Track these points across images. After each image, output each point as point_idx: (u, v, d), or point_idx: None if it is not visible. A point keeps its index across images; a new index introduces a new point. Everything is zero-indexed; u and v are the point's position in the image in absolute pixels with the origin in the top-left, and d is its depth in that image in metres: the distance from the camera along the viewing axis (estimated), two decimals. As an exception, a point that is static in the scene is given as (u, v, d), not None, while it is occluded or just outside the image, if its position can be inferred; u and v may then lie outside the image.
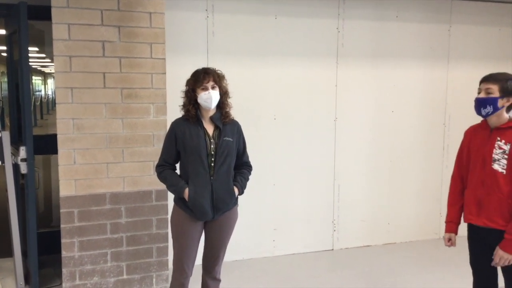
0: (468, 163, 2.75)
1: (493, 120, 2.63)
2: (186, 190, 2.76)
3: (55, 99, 3.40)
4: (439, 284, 4.09)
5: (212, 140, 2.79)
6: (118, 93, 3.49)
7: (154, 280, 3.72)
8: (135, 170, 3.57)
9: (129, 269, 3.65)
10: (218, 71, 2.85)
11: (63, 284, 3.51)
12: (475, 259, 2.79)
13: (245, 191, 2.97)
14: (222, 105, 2.84)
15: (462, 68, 5.12)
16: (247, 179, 2.99)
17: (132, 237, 3.62)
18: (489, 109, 2.57)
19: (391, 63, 4.87)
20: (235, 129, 2.90)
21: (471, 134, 2.81)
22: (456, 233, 2.83)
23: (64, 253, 3.49)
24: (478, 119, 5.23)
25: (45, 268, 4.16)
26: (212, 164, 2.77)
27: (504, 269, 2.62)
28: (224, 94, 2.84)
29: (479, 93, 2.65)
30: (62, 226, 3.46)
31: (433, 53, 5.01)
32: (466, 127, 5.14)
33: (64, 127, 3.41)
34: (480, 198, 2.64)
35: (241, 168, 2.98)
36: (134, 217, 3.61)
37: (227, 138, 2.81)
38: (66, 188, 3.44)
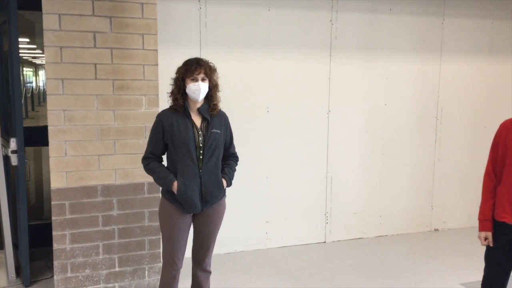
0: (504, 159, 2.64)
1: None
2: (175, 183, 2.74)
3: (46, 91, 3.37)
4: (430, 276, 4.12)
5: (200, 132, 2.77)
6: (110, 84, 3.46)
7: (146, 272, 3.72)
8: (127, 162, 3.55)
9: (121, 261, 3.64)
10: (211, 64, 2.81)
11: (55, 277, 3.50)
12: (495, 254, 2.70)
13: (238, 183, 2.97)
14: (210, 98, 2.81)
15: (455, 62, 5.13)
16: (234, 170, 2.98)
17: (124, 229, 3.61)
18: None
19: (384, 56, 4.87)
20: (223, 121, 2.87)
21: (507, 129, 2.65)
22: (492, 231, 2.68)
23: (55, 246, 3.46)
24: (470, 114, 5.26)
25: (37, 261, 4.15)
26: (201, 157, 2.75)
27: None
28: (213, 87, 2.81)
29: None
30: (53, 218, 3.44)
31: (426, 46, 5.01)
32: (458, 120, 5.22)
33: (55, 118, 3.37)
34: None
35: (227, 159, 2.97)
36: (126, 209, 3.59)
37: (215, 130, 2.79)
38: (57, 180, 3.41)
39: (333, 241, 4.95)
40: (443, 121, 5.18)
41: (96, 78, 3.43)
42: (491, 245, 2.70)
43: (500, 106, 5.26)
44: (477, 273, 2.85)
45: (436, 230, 5.34)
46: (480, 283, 2.82)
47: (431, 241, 5.00)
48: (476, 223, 2.79)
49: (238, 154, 3.06)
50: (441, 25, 5.03)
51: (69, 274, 3.52)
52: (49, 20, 3.28)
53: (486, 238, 2.71)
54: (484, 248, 2.78)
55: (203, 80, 2.73)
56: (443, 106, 5.16)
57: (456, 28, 5.08)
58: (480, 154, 4.96)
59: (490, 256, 2.75)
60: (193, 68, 2.72)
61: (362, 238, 5.06)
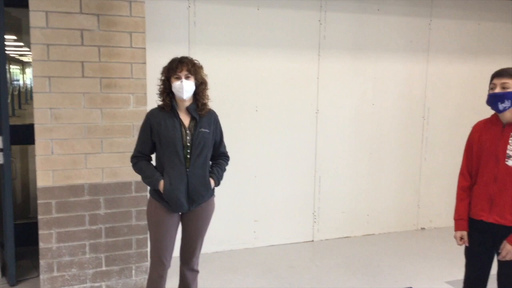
0: (478, 159, 2.69)
1: (507, 116, 2.58)
2: (161, 182, 2.73)
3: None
4: (417, 274, 4.16)
5: (188, 132, 2.76)
6: (97, 82, 3.44)
7: (133, 271, 3.70)
8: (114, 161, 3.53)
9: (108, 260, 3.62)
10: (195, 61, 2.79)
11: (41, 276, 3.47)
12: (473, 251, 2.75)
13: (227, 182, 2.97)
14: (198, 96, 2.79)
15: (442, 62, 5.18)
16: (224, 170, 2.97)
17: (111, 228, 3.59)
18: (507, 104, 2.53)
19: (372, 56, 4.90)
20: (212, 120, 2.86)
21: (481, 129, 2.73)
22: (467, 230, 2.74)
23: (41, 245, 3.44)
24: (457, 114, 5.31)
25: (23, 260, 4.11)
26: (188, 156, 2.74)
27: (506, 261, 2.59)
28: (200, 84, 2.78)
29: (493, 88, 2.59)
30: (39, 217, 3.41)
31: (414, 46, 5.05)
32: (444, 120, 5.27)
33: (41, 117, 3.34)
34: (492, 194, 2.61)
35: (218, 158, 2.96)
36: (113, 208, 3.57)
37: (204, 130, 2.78)
38: (43, 179, 3.39)
39: (321, 240, 4.97)
40: (429, 121, 5.23)
41: (83, 76, 3.41)
42: (466, 244, 2.76)
43: (485, 106, 5.31)
44: (462, 271, 2.88)
45: (422, 228, 5.39)
46: (463, 281, 2.86)
47: (418, 240, 5.05)
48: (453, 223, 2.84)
49: (228, 153, 3.06)
50: (428, 25, 5.07)
51: (55, 274, 3.50)
52: (36, 18, 3.25)
53: (461, 238, 2.77)
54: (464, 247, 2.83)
55: (186, 77, 2.71)
56: (430, 106, 5.21)
57: (443, 29, 5.13)
58: (466, 153, 5.01)
59: (470, 254, 2.80)
60: (175, 66, 2.72)
61: (350, 236, 5.09)
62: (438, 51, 5.15)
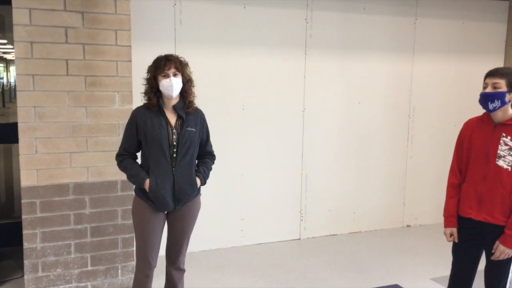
0: (469, 156, 2.70)
1: (498, 115, 2.58)
2: (147, 181, 2.71)
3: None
4: (402, 271, 4.20)
5: (174, 130, 2.74)
6: (82, 80, 3.41)
7: (119, 271, 3.68)
8: (99, 160, 3.51)
9: (93, 260, 3.59)
10: (181, 58, 2.78)
11: (25, 276, 3.43)
12: (461, 248, 2.77)
13: (214, 180, 2.96)
14: (185, 94, 2.78)
15: (427, 61, 5.23)
16: (210, 169, 2.96)
17: (96, 228, 3.56)
18: (497, 103, 2.52)
19: (358, 55, 4.93)
20: (199, 118, 2.85)
21: (472, 127, 2.72)
22: (457, 227, 2.75)
23: (26, 245, 3.40)
24: (442, 113, 5.36)
25: (7, 260, 4.07)
26: (174, 155, 2.73)
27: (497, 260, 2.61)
28: (187, 82, 2.77)
29: (485, 87, 2.58)
30: (23, 217, 3.37)
31: (399, 45, 5.09)
32: (429, 118, 5.32)
33: (25, 115, 3.30)
34: (481, 193, 2.62)
35: (204, 157, 2.95)
36: (99, 207, 3.55)
37: (190, 129, 2.77)
38: (27, 178, 3.35)
39: (308, 238, 4.99)
40: (415, 119, 5.28)
41: (67, 74, 3.37)
42: (456, 241, 2.77)
43: (470, 104, 5.37)
44: (447, 268, 2.91)
45: (408, 226, 5.44)
46: (449, 277, 2.89)
47: (403, 237, 5.10)
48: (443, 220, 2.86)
49: (214, 151, 3.05)
50: (413, 25, 5.11)
51: (40, 274, 3.46)
52: (19, 15, 3.21)
53: (451, 234, 2.78)
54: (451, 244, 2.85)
55: (174, 75, 2.69)
56: (415, 104, 5.25)
57: (428, 28, 5.18)
58: (451, 151, 5.01)
59: (457, 251, 2.81)
60: (162, 64, 2.69)
61: (336, 234, 5.11)
62: (423, 50, 5.20)
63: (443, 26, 5.24)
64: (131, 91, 3.54)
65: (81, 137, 3.45)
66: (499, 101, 2.51)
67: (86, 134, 3.46)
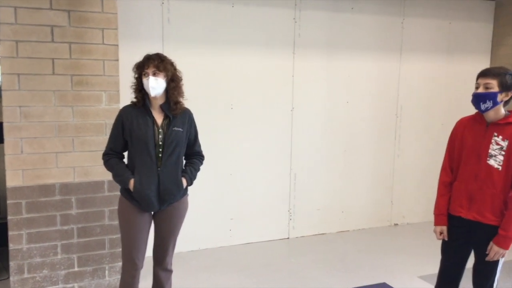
0: (460, 155, 2.72)
1: (491, 115, 2.59)
2: (132, 181, 2.69)
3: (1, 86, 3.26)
4: (390, 269, 4.23)
5: (160, 130, 2.72)
6: (68, 80, 3.37)
7: (106, 272, 3.65)
8: (86, 160, 3.47)
9: (80, 261, 3.56)
10: (164, 57, 2.71)
11: (11, 278, 3.39)
12: (450, 246, 2.78)
13: (202, 180, 2.93)
14: (169, 94, 2.72)
15: (414, 60, 5.27)
16: (198, 170, 2.93)
17: (83, 228, 3.53)
18: (489, 104, 2.53)
19: (346, 54, 4.94)
20: (186, 118, 2.82)
21: (464, 126, 2.74)
22: (447, 225, 2.77)
23: (11, 246, 3.35)
24: (429, 112, 5.40)
25: (-8, 262, 4.01)
26: (160, 155, 2.71)
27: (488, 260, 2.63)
28: (170, 81, 2.71)
29: (477, 88, 2.58)
30: (9, 218, 3.33)
31: (387, 45, 5.12)
32: (417, 118, 5.36)
33: (10, 115, 3.26)
34: (472, 192, 2.64)
35: (192, 157, 2.93)
36: (85, 208, 3.51)
37: (177, 128, 2.74)
38: (13, 179, 3.30)
39: (297, 237, 5.00)
40: (402, 118, 5.31)
41: (53, 73, 3.33)
42: (446, 239, 2.79)
43: (457, 103, 5.44)
44: (434, 266, 2.94)
45: (395, 224, 5.47)
46: (437, 275, 2.91)
47: (391, 236, 5.13)
48: (433, 217, 2.87)
49: (202, 151, 3.03)
50: (401, 24, 5.14)
51: (26, 275, 3.42)
52: (4, 13, 3.17)
53: (441, 232, 2.80)
54: (440, 242, 2.87)
55: (154, 74, 2.64)
56: (402, 103, 5.29)
57: (415, 28, 5.21)
58: (438, 150, 5.12)
59: (446, 249, 2.83)
60: (142, 63, 2.68)
61: (325, 233, 5.13)
62: (411, 49, 5.23)
63: (430, 26, 5.28)
64: (118, 90, 3.51)
65: (67, 137, 3.41)
66: (491, 101, 2.52)
67: (73, 133, 3.42)
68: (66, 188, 3.45)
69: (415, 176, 5.47)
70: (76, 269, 3.56)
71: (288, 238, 4.97)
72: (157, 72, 2.65)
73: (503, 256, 2.60)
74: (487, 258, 2.61)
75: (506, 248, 2.55)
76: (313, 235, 5.08)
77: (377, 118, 5.20)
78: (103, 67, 3.45)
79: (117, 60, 3.49)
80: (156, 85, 2.65)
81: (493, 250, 2.57)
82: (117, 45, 3.49)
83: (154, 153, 2.69)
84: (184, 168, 2.88)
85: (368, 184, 5.28)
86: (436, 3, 5.26)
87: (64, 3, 3.30)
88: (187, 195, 2.93)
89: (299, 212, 4.98)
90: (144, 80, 2.66)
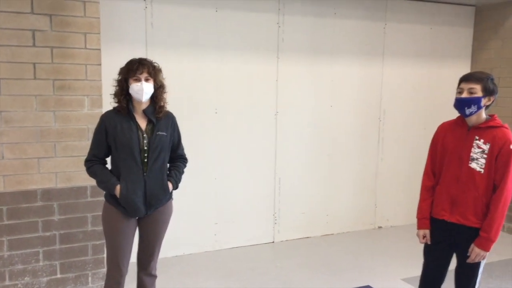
0: (442, 159, 2.74)
1: (473, 119, 2.62)
2: (118, 187, 2.67)
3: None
4: (373, 272, 4.26)
5: (145, 135, 2.71)
6: (50, 84, 3.34)
7: (90, 278, 3.61)
8: (68, 165, 3.44)
9: (63, 268, 3.52)
10: (155, 64, 2.75)
11: (-9, 286, 3.34)
12: (433, 250, 2.81)
13: (186, 185, 2.93)
14: (156, 99, 2.75)
15: (396, 65, 5.33)
16: (182, 173, 2.93)
17: (65, 234, 3.49)
18: (474, 108, 2.55)
19: (329, 59, 4.98)
20: (170, 122, 2.82)
21: (446, 130, 2.77)
22: (430, 229, 2.79)
23: (-9, 253, 3.31)
24: (411, 116, 5.46)
25: (-29, 270, 3.94)
26: (146, 160, 2.70)
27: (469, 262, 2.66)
28: (159, 87, 2.74)
29: (460, 92, 2.61)
30: (-11, 224, 3.28)
31: (369, 49, 5.17)
32: (399, 122, 5.42)
33: (-10, 120, 3.22)
34: (454, 195, 2.66)
35: (176, 161, 2.93)
36: (68, 214, 3.48)
37: (161, 133, 2.74)
38: (-7, 185, 3.26)
39: (282, 241, 5.01)
40: (385, 122, 5.36)
41: (35, 78, 3.30)
42: (429, 242, 2.81)
43: (439, 107, 5.51)
44: (418, 268, 2.96)
45: (379, 227, 5.52)
46: (419, 278, 2.94)
47: (375, 239, 5.17)
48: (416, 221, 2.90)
49: (187, 155, 3.03)
50: (383, 29, 5.20)
51: (7, 282, 3.37)
52: (-17, 17, 3.13)
53: (424, 236, 2.82)
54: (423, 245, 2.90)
55: (146, 80, 2.66)
56: (385, 107, 5.34)
57: (397, 33, 5.27)
58: (420, 154, 5.16)
59: (429, 252, 2.86)
60: (135, 67, 2.65)
61: (310, 237, 5.15)
62: (393, 54, 5.29)
63: (411, 31, 5.35)
64: (101, 95, 3.49)
65: (49, 142, 3.38)
66: (476, 106, 2.55)
67: (55, 139, 3.39)
68: (48, 194, 3.41)
69: (399, 179, 5.53)
70: (58, 275, 3.52)
71: (273, 242, 4.98)
72: (149, 78, 2.67)
73: (484, 258, 2.64)
74: (468, 260, 2.64)
75: (487, 250, 2.59)
76: (298, 238, 5.09)
77: (360, 122, 5.25)
78: (85, 71, 3.43)
79: (100, 64, 3.47)
80: (149, 91, 2.66)
81: (474, 252, 2.60)
82: (100, 50, 3.47)
83: (140, 158, 2.68)
84: (169, 171, 2.87)
85: (352, 188, 5.32)
86: (418, 9, 5.34)
87: (46, 7, 3.27)
88: (172, 199, 2.92)
89: (284, 216, 4.99)
90: (134, 84, 2.64)
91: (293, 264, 4.41)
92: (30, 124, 3.32)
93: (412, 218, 5.24)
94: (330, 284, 3.99)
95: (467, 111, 2.58)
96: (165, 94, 2.80)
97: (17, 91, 3.26)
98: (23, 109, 3.29)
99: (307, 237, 5.13)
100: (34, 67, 3.29)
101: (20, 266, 3.40)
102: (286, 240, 5.03)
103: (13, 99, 3.25)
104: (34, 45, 3.27)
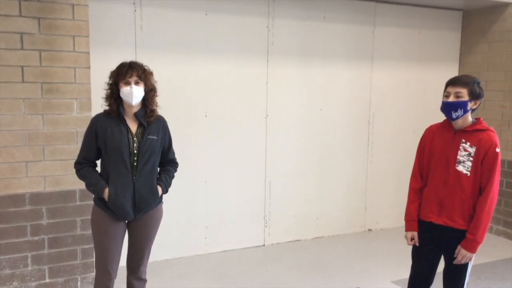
0: (429, 162, 2.77)
1: (459, 123, 2.65)
2: (106, 190, 2.66)
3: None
4: (364, 275, 4.27)
5: (135, 139, 2.70)
6: (38, 87, 3.32)
7: (79, 283, 3.59)
8: (57, 169, 3.42)
9: (51, 272, 3.49)
10: (146, 67, 2.74)
11: (-22, 291, 3.30)
12: (421, 252, 2.82)
13: (176, 188, 2.92)
14: (147, 103, 2.74)
15: (385, 68, 5.36)
16: (172, 177, 2.93)
17: (54, 239, 3.46)
18: (460, 112, 2.59)
19: (319, 62, 5.00)
20: (161, 126, 2.81)
21: (433, 133, 2.80)
22: (418, 231, 2.81)
23: (-21, 258, 3.27)
24: (400, 119, 5.49)
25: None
26: (135, 164, 2.69)
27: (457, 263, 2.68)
28: (149, 91, 2.73)
29: (447, 96, 2.63)
30: (-24, 229, 3.25)
31: (358, 53, 5.20)
32: (388, 124, 5.46)
33: (-23, 123, 3.19)
34: (442, 198, 2.69)
35: (166, 165, 2.92)
36: (57, 218, 3.45)
37: (152, 137, 2.73)
38: (-20, 189, 3.23)
39: (272, 244, 5.01)
40: (375, 125, 5.39)
41: (23, 81, 3.28)
42: (417, 244, 2.83)
43: (427, 110, 5.56)
44: (408, 271, 2.98)
45: (369, 230, 5.54)
46: (408, 280, 2.95)
47: (365, 241, 5.19)
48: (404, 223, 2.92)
49: (177, 159, 3.02)
50: (372, 33, 5.24)
51: (-6, 288, 3.34)
52: (-30, 20, 3.11)
53: (412, 238, 2.84)
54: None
55: (136, 83, 2.66)
56: (374, 111, 5.37)
57: (386, 37, 5.31)
58: (409, 156, 5.18)
59: (417, 254, 2.88)
60: (125, 71, 2.65)
61: (300, 240, 5.15)
62: (382, 58, 5.33)
63: (400, 35, 5.39)
64: (89, 98, 3.47)
65: (37, 145, 3.35)
66: (462, 110, 2.58)
67: (43, 142, 3.37)
68: (37, 198, 3.38)
69: (388, 182, 5.55)
70: (47, 280, 3.49)
71: (263, 245, 4.97)
72: (139, 81, 2.66)
73: (471, 260, 2.66)
74: (455, 262, 2.66)
75: (474, 251, 2.61)
76: (289, 241, 5.09)
77: (350, 125, 5.27)
78: (74, 74, 3.41)
79: (89, 67, 3.46)
80: (139, 94, 2.66)
81: (461, 254, 2.63)
82: (89, 53, 3.46)
83: (129, 161, 2.67)
84: (159, 175, 2.86)
85: (342, 191, 5.33)
86: (406, 13, 5.38)
87: (34, 10, 3.26)
88: (162, 203, 2.91)
89: (275, 219, 4.99)
90: (124, 88, 2.64)
91: (284, 267, 4.41)
92: (18, 127, 3.29)
93: (401, 221, 5.25)
94: (320, 287, 4.00)
95: (454, 115, 2.61)
96: (156, 97, 2.79)
97: (5, 95, 3.24)
98: (11, 112, 3.26)
99: (298, 240, 5.14)
100: (22, 70, 3.27)
101: (8, 271, 3.37)
102: (277, 243, 5.03)
103: (0, 103, 3.23)
104: (22, 48, 3.26)
